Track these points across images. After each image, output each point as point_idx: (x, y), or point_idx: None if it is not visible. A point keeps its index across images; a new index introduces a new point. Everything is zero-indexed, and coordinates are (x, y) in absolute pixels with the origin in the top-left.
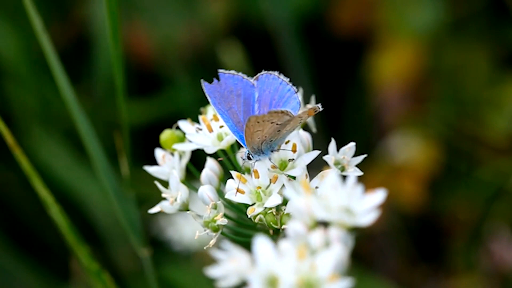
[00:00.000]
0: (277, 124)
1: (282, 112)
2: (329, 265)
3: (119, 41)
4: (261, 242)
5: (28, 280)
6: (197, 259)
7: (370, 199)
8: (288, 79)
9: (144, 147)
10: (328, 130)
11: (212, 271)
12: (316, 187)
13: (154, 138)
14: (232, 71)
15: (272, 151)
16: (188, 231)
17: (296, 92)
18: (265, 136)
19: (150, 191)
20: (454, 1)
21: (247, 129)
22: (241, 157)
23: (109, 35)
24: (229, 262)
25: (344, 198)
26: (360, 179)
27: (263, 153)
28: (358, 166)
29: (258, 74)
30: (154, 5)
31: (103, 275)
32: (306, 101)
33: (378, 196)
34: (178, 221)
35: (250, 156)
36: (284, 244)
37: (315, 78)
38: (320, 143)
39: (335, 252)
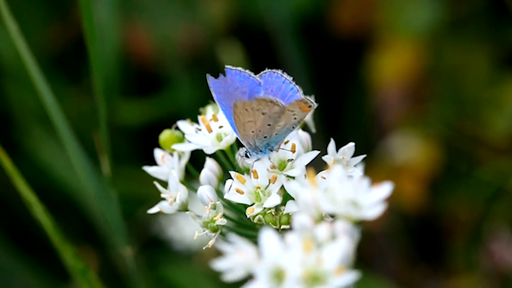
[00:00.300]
0: (268, 116)
1: (270, 101)
2: (335, 258)
3: (97, 42)
4: (267, 235)
5: (28, 280)
6: (198, 259)
7: (376, 192)
8: (291, 78)
9: (144, 147)
10: (328, 130)
11: (219, 264)
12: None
13: (154, 138)
14: (240, 68)
15: (271, 151)
16: (189, 230)
17: (298, 91)
18: (259, 130)
19: (150, 191)
20: (454, 1)
21: (236, 117)
22: (239, 154)
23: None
24: (236, 255)
25: (351, 191)
26: None
27: (260, 151)
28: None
29: (262, 72)
30: (154, 5)
31: (88, 274)
32: None
33: (385, 189)
34: (179, 220)
35: (248, 154)
36: (290, 237)
37: (315, 78)
38: (320, 144)
39: (341, 245)
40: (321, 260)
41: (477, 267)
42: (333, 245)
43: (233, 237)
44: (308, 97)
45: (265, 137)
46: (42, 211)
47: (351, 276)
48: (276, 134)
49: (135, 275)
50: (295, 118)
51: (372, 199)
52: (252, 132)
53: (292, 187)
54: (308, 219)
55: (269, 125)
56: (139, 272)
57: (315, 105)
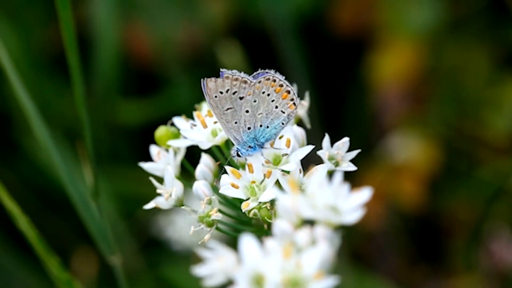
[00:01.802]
0: (244, 99)
1: (236, 78)
2: (314, 263)
3: (75, 46)
4: (247, 241)
5: (28, 280)
6: (197, 258)
7: (356, 198)
8: (284, 77)
9: (144, 147)
10: (328, 130)
11: (198, 270)
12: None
13: (153, 138)
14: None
15: (261, 147)
16: (187, 231)
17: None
18: (243, 120)
19: (150, 191)
20: (454, 1)
21: (213, 103)
22: (231, 154)
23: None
24: (216, 261)
25: (330, 196)
26: (360, 179)
27: (250, 147)
28: (355, 164)
29: (255, 73)
30: (154, 5)
31: (73, 284)
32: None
33: (364, 194)
34: (177, 220)
35: (239, 152)
36: (270, 242)
37: (315, 78)
38: (318, 142)
39: (321, 250)
40: (300, 265)
41: (477, 267)
42: (312, 250)
43: (213, 243)
44: (278, 75)
45: (249, 128)
46: (26, 223)
47: (330, 281)
48: (261, 125)
49: (123, 283)
50: (276, 107)
51: (351, 204)
52: (235, 123)
53: (274, 193)
54: (288, 225)
55: (247, 111)
56: (127, 280)
57: (293, 90)
